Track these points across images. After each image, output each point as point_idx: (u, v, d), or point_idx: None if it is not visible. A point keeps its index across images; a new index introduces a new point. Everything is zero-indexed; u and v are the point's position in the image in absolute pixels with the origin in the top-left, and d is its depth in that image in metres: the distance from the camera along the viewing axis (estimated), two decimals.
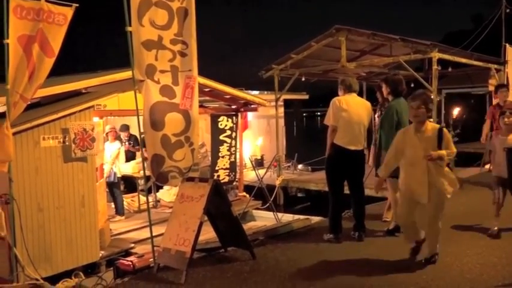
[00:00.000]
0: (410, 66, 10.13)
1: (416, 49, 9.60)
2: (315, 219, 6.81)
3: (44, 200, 5.76)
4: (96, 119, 6.56)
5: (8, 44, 4.88)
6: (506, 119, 5.16)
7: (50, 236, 5.81)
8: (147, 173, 4.98)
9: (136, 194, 9.28)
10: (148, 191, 9.74)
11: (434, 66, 9.27)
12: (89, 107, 6.26)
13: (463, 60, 10.52)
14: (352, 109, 5.20)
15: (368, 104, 5.43)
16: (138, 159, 9.57)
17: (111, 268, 5.65)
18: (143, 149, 5.07)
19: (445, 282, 4.01)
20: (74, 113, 6.05)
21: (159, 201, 9.34)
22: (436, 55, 9.15)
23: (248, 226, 7.87)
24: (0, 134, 5.01)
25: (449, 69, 14.19)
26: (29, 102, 5.22)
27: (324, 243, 5.23)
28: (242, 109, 9.65)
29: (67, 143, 5.94)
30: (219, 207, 4.66)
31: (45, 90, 5.88)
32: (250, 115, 12.68)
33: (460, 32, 30.29)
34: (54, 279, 5.60)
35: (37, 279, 5.24)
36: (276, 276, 4.29)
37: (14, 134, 5.16)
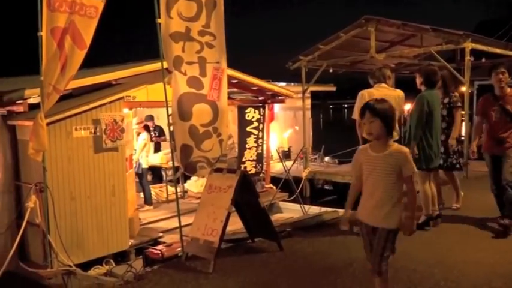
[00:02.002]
0: (441, 57, 9.88)
1: (448, 39, 9.35)
2: (342, 211, 6.74)
3: (76, 189, 5.90)
4: (125, 110, 6.66)
5: (41, 36, 5.00)
6: None
7: (82, 224, 5.96)
8: (176, 163, 5.02)
9: (164, 184, 9.41)
10: (176, 182, 9.88)
11: (467, 57, 9.00)
12: (119, 99, 6.35)
13: (498, 51, 10.17)
14: None
15: (399, 93, 5.30)
16: (166, 150, 9.72)
17: (141, 256, 5.78)
18: (171, 140, 5.14)
19: (477, 278, 3.92)
20: (105, 104, 6.15)
21: (186, 191, 9.45)
22: (469, 45, 8.88)
23: (275, 218, 7.88)
24: (34, 125, 5.16)
25: (483, 60, 13.74)
26: (62, 94, 5.35)
27: (352, 235, 5.18)
28: (269, 101, 9.63)
29: (98, 134, 6.05)
30: (246, 198, 4.68)
31: (77, 82, 6.01)
32: (276, 107, 12.63)
33: (494, 21, 29.26)
34: (85, 266, 5.77)
35: (70, 266, 5.41)
36: (303, 268, 4.29)
37: (48, 124, 5.30)
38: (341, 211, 6.78)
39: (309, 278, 4.06)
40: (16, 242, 5.40)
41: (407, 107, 6.66)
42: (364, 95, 5.15)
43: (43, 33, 4.98)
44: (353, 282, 3.93)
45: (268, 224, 4.77)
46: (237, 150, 9.32)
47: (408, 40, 11.21)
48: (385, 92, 5.23)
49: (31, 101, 6.08)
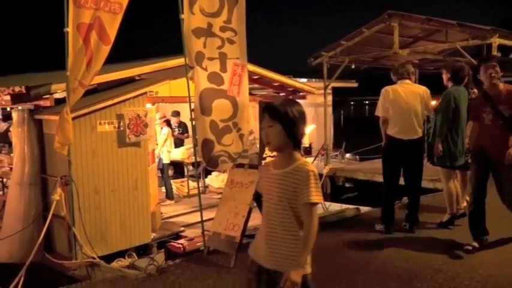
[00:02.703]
0: (466, 52, 9.67)
1: (474, 35, 9.13)
2: (364, 209, 6.71)
3: (100, 183, 6.00)
4: (148, 105, 6.73)
5: (67, 32, 5.10)
6: None
7: (106, 217, 6.06)
8: (198, 158, 5.05)
9: (185, 179, 9.48)
10: (198, 177, 9.95)
11: (494, 53, 8.78)
12: (142, 94, 6.43)
13: None
14: (401, 98, 5.06)
15: (423, 90, 5.21)
16: (188, 145, 9.79)
17: (162, 250, 5.84)
18: (193, 135, 5.16)
19: (504, 279, 3.84)
20: (128, 99, 6.23)
21: (207, 187, 9.51)
22: (496, 41, 8.66)
23: None
24: (60, 119, 5.27)
25: (511, 56, 13.39)
26: (87, 89, 5.44)
27: (375, 233, 5.14)
28: (290, 97, 9.59)
29: (122, 128, 6.13)
30: None
31: (102, 77, 6.10)
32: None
33: None
34: (108, 258, 5.86)
35: (93, 258, 5.51)
36: (324, 264, 4.26)
37: (73, 118, 5.40)
38: (363, 208, 6.76)
39: (330, 275, 4.05)
40: (42, 234, 5.53)
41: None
42: (388, 92, 5.09)
43: (69, 29, 5.08)
44: (375, 281, 3.90)
45: None
46: (258, 146, 9.31)
47: (433, 35, 10.99)
48: (410, 88, 5.16)
49: (57, 95, 6.21)
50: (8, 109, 7.96)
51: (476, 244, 4.45)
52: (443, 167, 5.22)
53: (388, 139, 5.14)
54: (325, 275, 4.04)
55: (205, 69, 4.79)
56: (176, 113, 9.70)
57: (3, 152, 9.09)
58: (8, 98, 6.40)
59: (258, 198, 4.56)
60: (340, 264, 4.28)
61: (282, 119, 2.22)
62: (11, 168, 7.15)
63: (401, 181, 5.28)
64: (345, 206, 7.84)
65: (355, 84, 15.53)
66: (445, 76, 5.28)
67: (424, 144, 5.34)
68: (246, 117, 5.16)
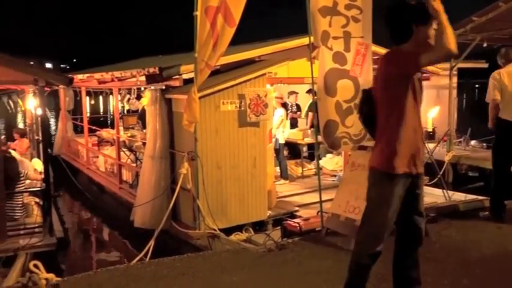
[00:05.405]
0: None
1: None
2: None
3: (222, 159, 6.31)
4: (267, 86, 6.86)
5: (196, 15, 5.38)
6: None
7: (226, 192, 6.37)
8: (320, 139, 5.03)
9: (300, 160, 9.55)
10: (311, 158, 9.98)
11: None
12: (262, 75, 6.57)
13: None
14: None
15: None
16: (302, 126, 9.84)
17: (278, 227, 5.98)
18: (315, 116, 5.15)
19: None
20: (249, 79, 6.41)
21: (321, 168, 9.47)
22: None
23: None
24: (188, 98, 5.62)
25: None
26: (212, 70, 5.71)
27: (510, 226, 4.70)
28: None
29: (242, 108, 6.35)
30: None
31: (225, 58, 6.34)
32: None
33: None
34: (227, 231, 6.17)
35: (214, 230, 5.85)
36: (451, 256, 4.02)
37: (200, 98, 5.71)
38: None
39: (458, 267, 3.79)
40: (171, 205, 6.02)
41: None
42: (501, 74, 4.90)
43: (198, 13, 5.35)
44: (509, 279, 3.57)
45: None
46: None
47: None
48: None
49: (185, 76, 6.62)
50: (142, 89, 8.73)
51: None
52: None
53: (500, 124, 4.81)
54: (453, 267, 3.80)
55: (331, 49, 4.73)
56: (293, 93, 9.81)
57: (137, 128, 10.04)
58: (143, 78, 7.01)
59: None
60: (467, 256, 4.00)
61: None
62: (143, 143, 7.87)
63: None
64: (469, 196, 7.27)
65: (486, 65, 14.12)
66: None
67: None
68: None
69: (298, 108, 10.49)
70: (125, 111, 12.94)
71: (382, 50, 7.99)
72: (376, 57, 8.01)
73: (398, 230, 2.89)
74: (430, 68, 8.95)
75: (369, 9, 4.96)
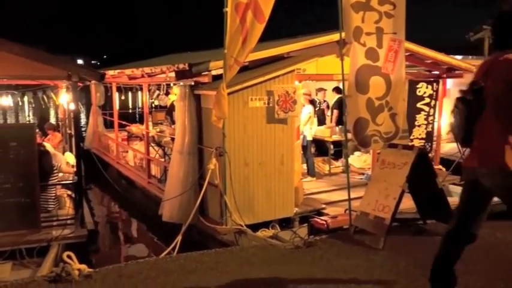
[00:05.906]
0: None
1: None
2: None
3: (249, 156, 6.31)
4: (296, 83, 6.82)
5: (226, 12, 5.39)
6: None
7: (253, 188, 6.38)
8: (349, 136, 4.98)
9: (327, 157, 9.48)
10: (338, 156, 9.88)
11: None
12: (291, 71, 6.53)
13: None
14: None
15: None
16: (329, 123, 9.75)
17: (305, 224, 5.96)
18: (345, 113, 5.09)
19: None
20: (278, 76, 6.38)
21: (349, 166, 9.36)
22: None
23: None
24: (217, 94, 5.64)
25: None
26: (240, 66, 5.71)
27: None
28: (444, 75, 8.86)
29: (271, 105, 6.34)
30: (422, 176, 4.42)
31: (254, 55, 6.33)
32: (449, 82, 11.56)
33: None
34: (253, 227, 6.18)
35: (241, 225, 5.87)
36: (488, 258, 3.91)
37: (228, 94, 5.73)
38: None
39: (495, 269, 3.69)
40: (198, 200, 6.07)
41: None
42: None
43: (228, 9, 5.36)
44: None
45: (444, 206, 4.45)
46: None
47: None
48: None
49: (213, 72, 6.64)
50: (172, 85, 8.83)
51: None
52: None
53: None
54: (488, 268, 3.70)
55: (364, 45, 4.66)
56: (322, 90, 9.76)
57: (165, 123, 10.17)
58: (172, 74, 7.07)
59: (410, 180, 4.34)
60: (507, 258, 3.87)
61: None
62: (171, 138, 7.96)
63: None
64: None
65: None
66: None
67: None
68: (401, 96, 4.92)
69: (328, 105, 10.41)
70: (153, 107, 13.13)
71: (415, 47, 7.89)
72: (407, 53, 7.94)
73: (461, 226, 2.83)
74: (463, 64, 8.74)
75: (403, 5, 4.87)
